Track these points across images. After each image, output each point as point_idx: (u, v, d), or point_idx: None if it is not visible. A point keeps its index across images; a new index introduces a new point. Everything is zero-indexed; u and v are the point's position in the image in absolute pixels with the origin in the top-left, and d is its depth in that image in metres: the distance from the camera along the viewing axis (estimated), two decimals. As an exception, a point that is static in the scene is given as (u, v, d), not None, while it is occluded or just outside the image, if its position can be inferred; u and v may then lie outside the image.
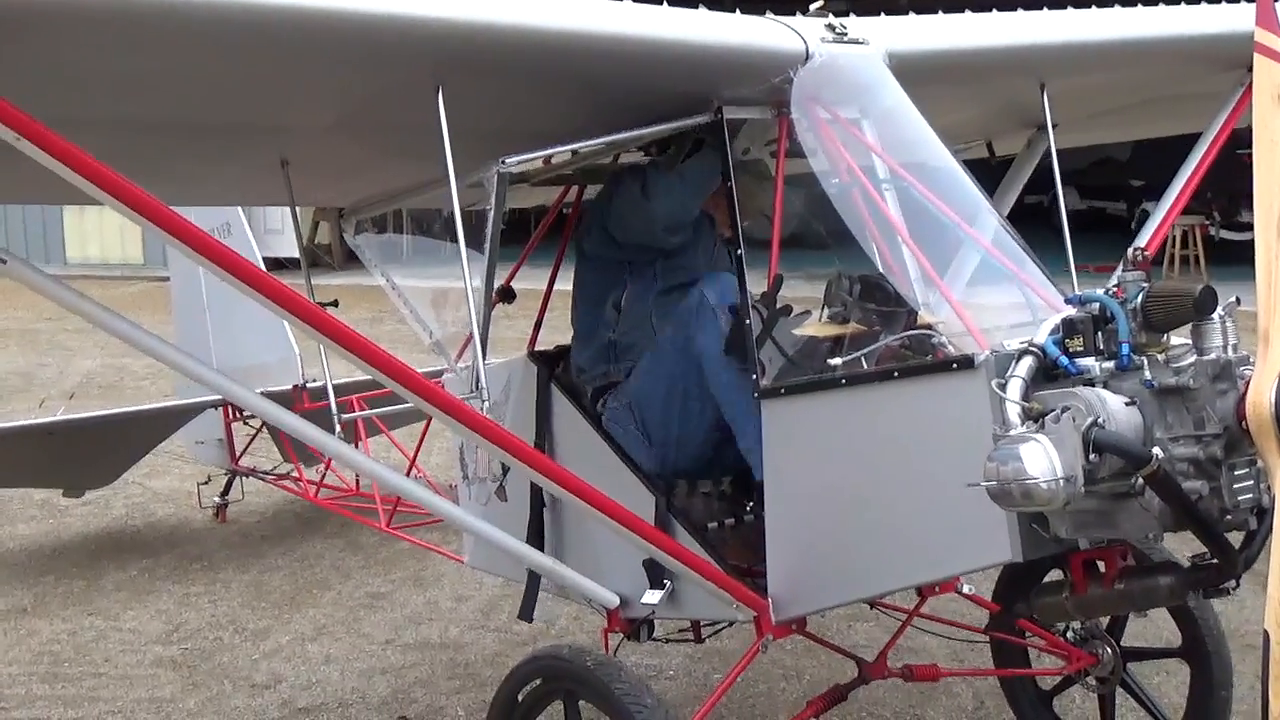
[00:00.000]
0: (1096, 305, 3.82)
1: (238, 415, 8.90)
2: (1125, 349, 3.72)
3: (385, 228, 4.87)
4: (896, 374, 4.16)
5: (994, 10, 5.33)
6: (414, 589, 7.89)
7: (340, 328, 3.95)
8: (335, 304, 5.02)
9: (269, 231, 16.03)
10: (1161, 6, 5.75)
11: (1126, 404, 3.63)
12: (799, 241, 4.71)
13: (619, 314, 5.04)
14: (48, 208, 23.24)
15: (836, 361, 4.33)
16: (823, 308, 4.50)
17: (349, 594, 7.88)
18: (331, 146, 4.82)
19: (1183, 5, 5.78)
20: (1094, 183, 27.03)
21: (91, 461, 8.85)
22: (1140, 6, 5.70)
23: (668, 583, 4.84)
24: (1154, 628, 5.55)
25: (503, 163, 4.15)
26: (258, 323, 8.03)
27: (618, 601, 5.08)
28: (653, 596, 4.88)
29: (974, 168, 5.64)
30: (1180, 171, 5.84)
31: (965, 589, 5.14)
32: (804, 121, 4.57)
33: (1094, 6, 5.55)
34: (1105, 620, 5.03)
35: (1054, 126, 6.09)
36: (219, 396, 8.67)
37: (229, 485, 9.36)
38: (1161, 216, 5.85)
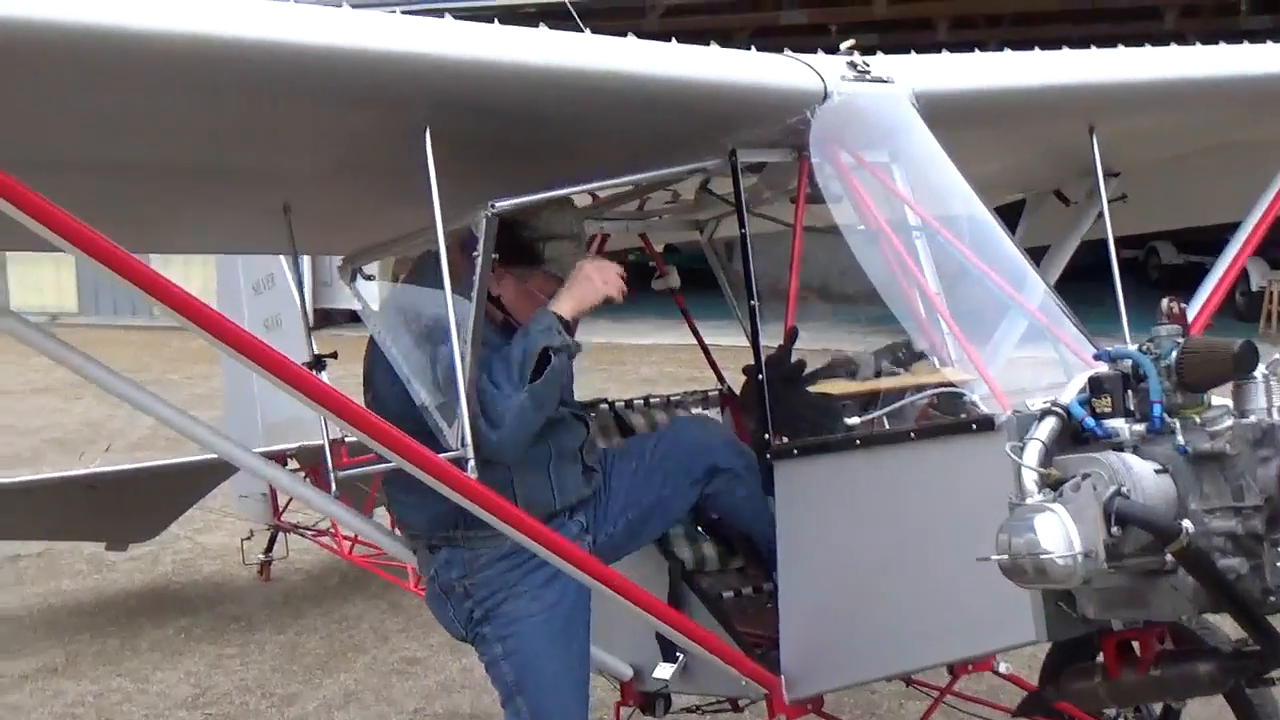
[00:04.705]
0: (1128, 362, 3.50)
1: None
2: (1157, 410, 3.39)
3: (381, 276, 4.66)
4: (913, 435, 3.86)
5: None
6: (450, 654, 7.62)
7: (314, 383, 3.75)
8: (334, 355, 4.83)
9: (322, 284, 15.89)
10: (1221, 45, 5.42)
11: (1157, 471, 3.30)
12: (817, 293, 4.46)
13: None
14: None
15: (854, 421, 4.05)
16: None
17: (384, 659, 7.65)
18: (332, 192, 4.63)
19: (1245, 44, 5.45)
20: (1191, 236, 26.49)
21: (134, 515, 8.70)
22: (1198, 45, 5.40)
23: (680, 656, 4.57)
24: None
25: (491, 207, 3.92)
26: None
27: (631, 673, 4.83)
28: (665, 670, 4.62)
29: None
30: (1244, 223, 5.51)
31: (1002, 668, 4.79)
32: (824, 165, 4.31)
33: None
34: (1159, 707, 4.64)
35: (1115, 175, 5.80)
36: (263, 449, 8.55)
37: (272, 541, 9.18)
38: (1224, 268, 5.53)
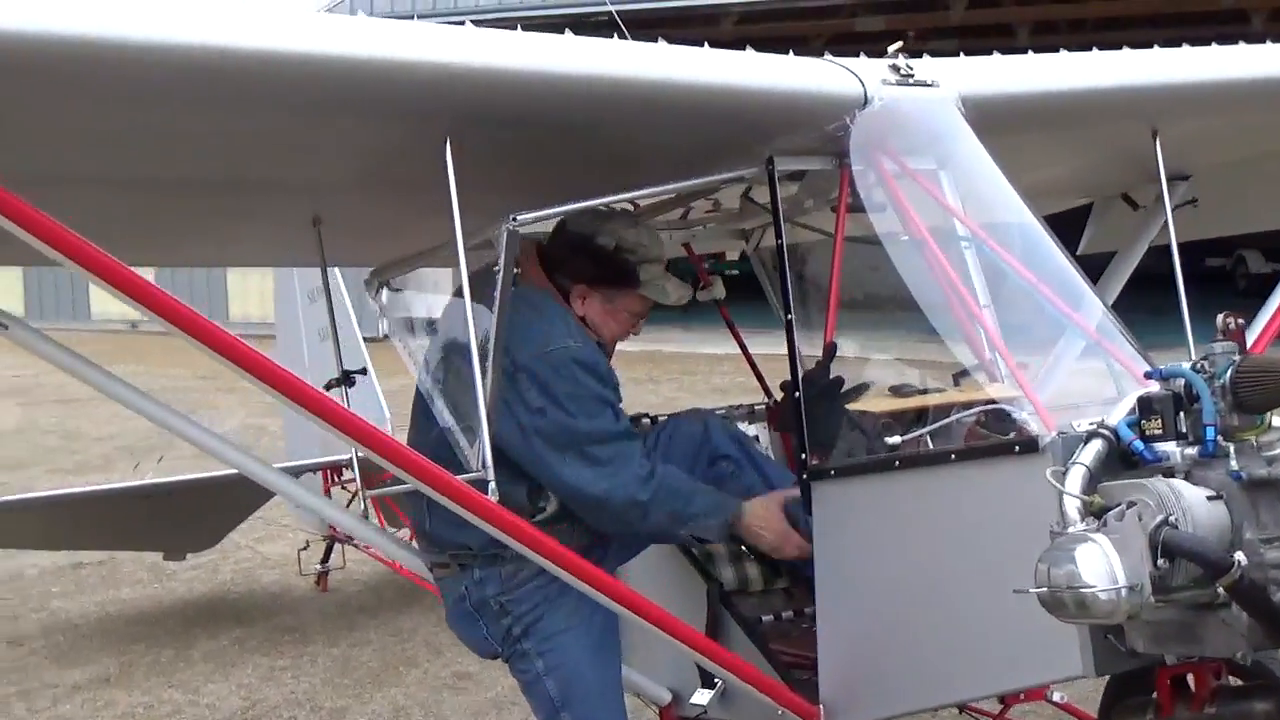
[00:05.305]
0: (1181, 381, 3.29)
1: (335, 480, 8.65)
2: (1210, 433, 3.17)
3: (404, 290, 4.55)
4: (953, 456, 3.67)
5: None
6: (503, 670, 7.35)
7: (327, 404, 3.62)
8: (364, 371, 4.73)
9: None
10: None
11: (1209, 498, 3.09)
12: (860, 306, 4.29)
13: None
14: (212, 270, 23.75)
15: (895, 440, 3.87)
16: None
17: (435, 673, 7.53)
18: (360, 204, 4.54)
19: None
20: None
21: (190, 526, 8.67)
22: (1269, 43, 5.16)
23: (719, 681, 4.40)
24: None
25: (513, 220, 3.77)
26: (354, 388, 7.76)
27: (669, 698, 4.68)
28: (702, 696, 4.46)
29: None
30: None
31: (1056, 696, 4.58)
32: (866, 172, 4.13)
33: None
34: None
35: (1184, 179, 5.58)
36: (320, 460, 8.51)
37: (328, 552, 9.11)
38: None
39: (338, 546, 9.07)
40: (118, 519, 8.33)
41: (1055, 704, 4.66)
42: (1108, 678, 4.60)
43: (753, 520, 4.22)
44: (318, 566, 9.16)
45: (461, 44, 3.57)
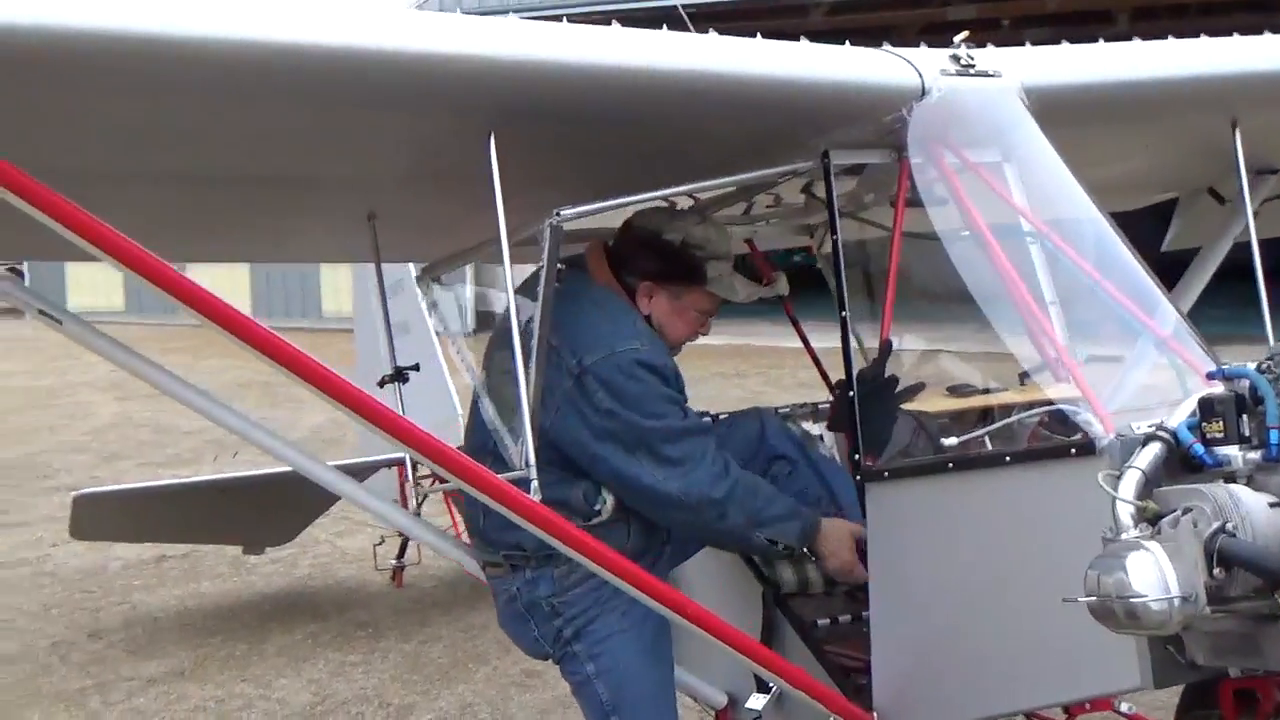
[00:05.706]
0: (1245, 382, 3.15)
1: (411, 476, 8.65)
2: (1274, 436, 3.03)
3: (454, 287, 4.52)
4: (1008, 459, 3.56)
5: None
6: (573, 667, 7.46)
7: (371, 404, 3.57)
8: (416, 368, 4.70)
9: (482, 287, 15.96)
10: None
11: (1271, 505, 2.95)
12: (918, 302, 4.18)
13: None
14: (306, 266, 23.95)
15: (952, 441, 3.77)
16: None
17: (505, 670, 7.50)
18: (414, 199, 4.51)
19: None
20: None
21: (269, 519, 8.73)
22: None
23: (774, 686, 4.32)
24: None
25: (557, 215, 3.71)
26: (423, 384, 7.75)
27: (725, 701, 4.62)
28: (757, 701, 4.37)
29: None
30: None
31: (1124, 707, 4.42)
32: (926, 166, 4.02)
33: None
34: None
35: (1272, 172, 5.41)
36: (395, 455, 8.50)
37: (403, 548, 9.12)
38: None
39: (413, 542, 9.07)
40: (199, 512, 8.42)
41: (1123, 714, 4.50)
42: (1182, 690, 4.47)
43: (823, 542, 4.18)
44: (393, 562, 9.18)
45: (500, 36, 3.52)
